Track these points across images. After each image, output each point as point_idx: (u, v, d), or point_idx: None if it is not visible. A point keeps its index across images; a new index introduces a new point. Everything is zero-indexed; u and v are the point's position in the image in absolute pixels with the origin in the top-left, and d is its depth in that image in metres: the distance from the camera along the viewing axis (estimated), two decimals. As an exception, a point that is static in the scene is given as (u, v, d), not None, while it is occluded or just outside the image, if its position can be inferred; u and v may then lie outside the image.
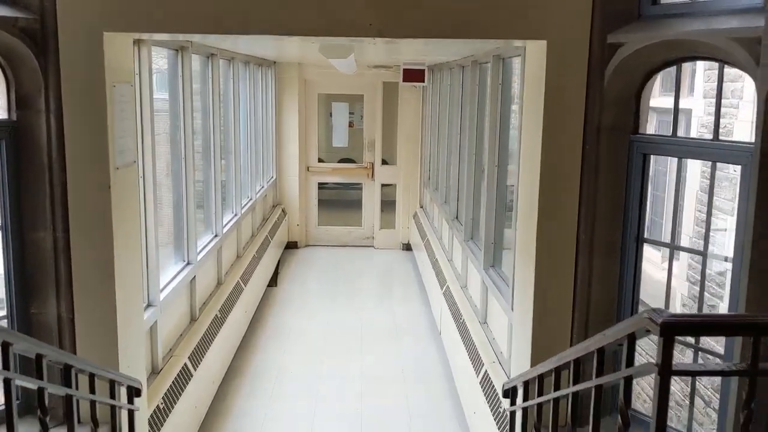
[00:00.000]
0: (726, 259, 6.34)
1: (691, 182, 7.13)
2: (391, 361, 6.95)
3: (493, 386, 4.73)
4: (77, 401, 2.46)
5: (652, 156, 3.13)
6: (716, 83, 2.91)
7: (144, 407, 3.60)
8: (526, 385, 2.87)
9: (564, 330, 3.22)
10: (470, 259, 6.48)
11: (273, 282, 9.30)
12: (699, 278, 3.68)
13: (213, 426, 5.53)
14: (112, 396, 2.87)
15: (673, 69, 3.12)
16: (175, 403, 4.59)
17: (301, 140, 11.27)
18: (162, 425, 4.24)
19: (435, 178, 9.72)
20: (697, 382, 4.95)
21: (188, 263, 5.64)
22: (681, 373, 1.66)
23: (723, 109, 6.51)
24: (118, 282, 3.12)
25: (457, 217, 7.71)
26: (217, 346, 5.79)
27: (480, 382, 4.99)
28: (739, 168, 2.67)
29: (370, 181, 11.55)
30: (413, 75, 9.65)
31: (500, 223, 5.69)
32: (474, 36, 3.13)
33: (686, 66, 3.31)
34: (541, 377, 2.64)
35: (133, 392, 3.09)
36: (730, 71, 2.90)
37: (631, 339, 1.82)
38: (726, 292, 6.37)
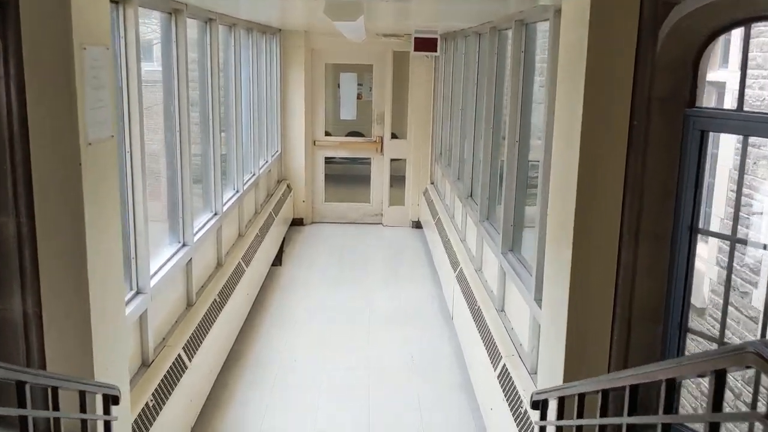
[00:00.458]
0: (766, 247, 5.90)
1: (724, 159, 6.65)
2: (400, 347, 6.57)
3: (513, 382, 4.34)
4: (49, 420, 2.09)
5: (710, 134, 2.68)
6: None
7: (126, 413, 3.22)
8: (562, 401, 2.46)
9: (602, 329, 2.80)
10: (486, 241, 6.06)
11: (277, 261, 8.90)
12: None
13: (211, 417, 5.18)
14: (83, 409, 2.48)
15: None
16: (167, 398, 4.22)
17: (308, 113, 10.79)
18: (152, 424, 3.88)
19: (447, 154, 9.25)
20: None
21: (184, 245, 5.24)
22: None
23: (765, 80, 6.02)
24: (91, 272, 2.72)
25: (471, 196, 7.27)
26: (216, 333, 5.42)
27: (498, 377, 4.60)
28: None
29: (378, 155, 11.09)
30: (425, 44, 9.12)
31: (520, 204, 5.26)
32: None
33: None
34: (582, 396, 2.23)
35: (110, 400, 2.71)
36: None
37: (720, 376, 1.40)
38: (762, 279, 5.93)
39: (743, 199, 5.94)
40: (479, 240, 6.39)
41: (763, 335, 2.45)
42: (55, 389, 2.21)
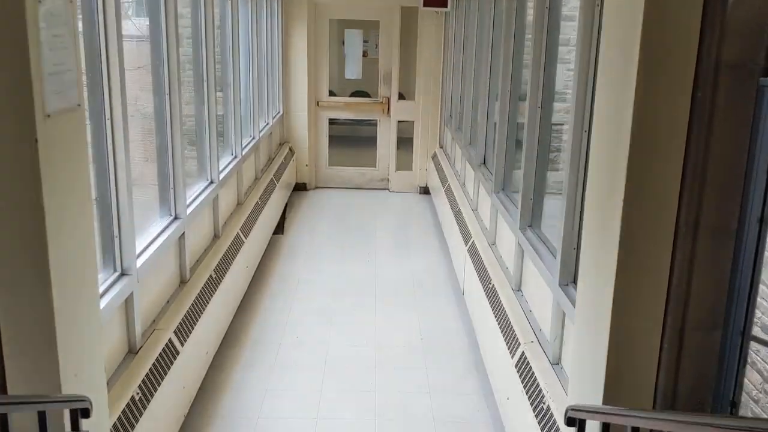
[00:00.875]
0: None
1: None
2: (408, 325, 6.21)
3: (533, 373, 3.97)
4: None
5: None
6: None
7: (103, 421, 2.86)
8: (607, 428, 2.07)
9: (651, 335, 2.41)
10: (501, 214, 5.63)
11: (279, 229, 8.51)
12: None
13: (207, 403, 4.85)
14: (43, 427, 2.11)
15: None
16: (157, 388, 3.87)
17: (311, 72, 10.27)
18: (138, 420, 3.53)
19: (458, 117, 8.76)
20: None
21: (176, 218, 4.83)
22: None
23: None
24: (54, 267, 2.32)
25: (484, 163, 6.82)
26: (212, 312, 5.05)
27: (515, 365, 4.23)
28: None
29: (385, 117, 10.59)
30: (436, -2, 8.59)
31: (541, 176, 4.82)
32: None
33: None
34: (636, 430, 1.84)
35: (78, 414, 2.34)
36: None
37: None
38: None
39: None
40: (493, 212, 5.97)
41: None
42: (3, 416, 1.84)
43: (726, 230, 2.32)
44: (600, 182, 2.53)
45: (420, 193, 10.63)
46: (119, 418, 3.35)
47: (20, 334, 2.37)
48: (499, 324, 4.78)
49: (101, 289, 3.58)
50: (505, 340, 4.56)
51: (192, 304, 4.71)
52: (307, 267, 7.53)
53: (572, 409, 2.38)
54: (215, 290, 5.22)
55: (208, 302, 4.99)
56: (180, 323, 4.42)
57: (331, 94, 10.79)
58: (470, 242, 6.31)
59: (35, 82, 2.20)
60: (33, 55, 2.18)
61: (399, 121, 10.58)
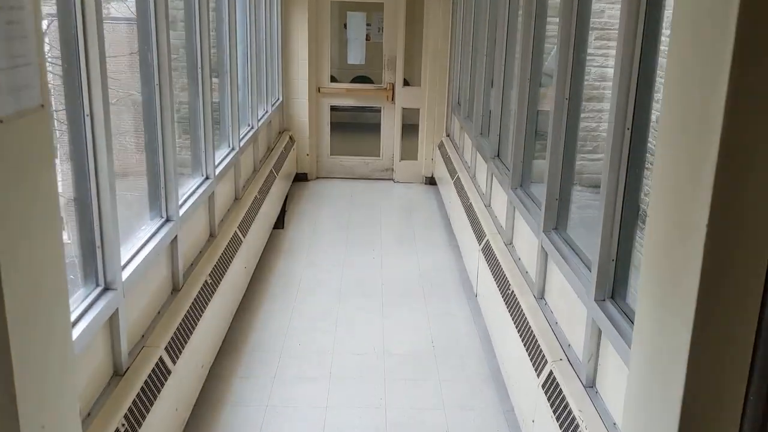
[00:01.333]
0: None
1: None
2: (418, 329, 5.82)
3: (564, 397, 3.57)
4: None
5: None
6: None
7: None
8: None
9: (738, 373, 1.99)
10: (520, 213, 5.21)
11: (279, 223, 8.09)
12: None
13: (201, 421, 4.46)
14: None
15: None
16: (146, 414, 3.47)
17: (311, 57, 9.80)
18: (124, 455, 3.13)
19: (467, 105, 8.31)
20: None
21: (167, 220, 4.41)
22: None
23: None
24: (9, 297, 1.90)
25: (498, 155, 6.39)
26: (208, 321, 4.64)
27: (542, 385, 3.84)
28: None
29: (389, 104, 10.14)
30: (444, -21, 8.10)
31: (568, 175, 4.39)
32: None
33: None
34: None
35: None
36: None
37: None
38: None
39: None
40: (510, 209, 5.54)
41: None
42: None
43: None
44: (667, 187, 2.10)
45: (425, 183, 10.20)
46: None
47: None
48: (521, 336, 4.38)
49: (81, 308, 3.18)
50: (529, 355, 4.16)
51: (185, 315, 4.30)
52: (309, 265, 7.12)
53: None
54: (211, 296, 4.81)
55: (203, 311, 4.58)
56: (172, 338, 4.01)
57: (333, 80, 10.33)
58: (484, 241, 5.90)
59: (-18, 80, 1.77)
60: (-23, 46, 1.75)
61: (404, 108, 10.13)
